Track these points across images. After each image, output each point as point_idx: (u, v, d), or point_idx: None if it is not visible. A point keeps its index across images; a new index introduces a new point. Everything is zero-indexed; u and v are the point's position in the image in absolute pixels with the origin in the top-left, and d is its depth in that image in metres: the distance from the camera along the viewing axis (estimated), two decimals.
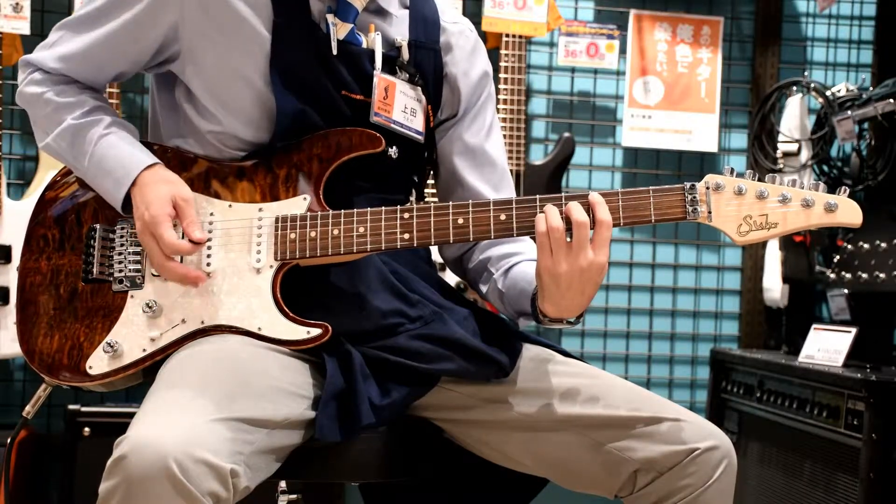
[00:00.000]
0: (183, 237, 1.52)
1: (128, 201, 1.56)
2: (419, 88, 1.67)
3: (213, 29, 1.56)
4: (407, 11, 1.70)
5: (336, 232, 1.53)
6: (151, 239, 1.51)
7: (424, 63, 1.69)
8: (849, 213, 1.48)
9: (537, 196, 1.51)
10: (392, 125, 1.63)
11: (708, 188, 1.49)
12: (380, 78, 1.61)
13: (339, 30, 1.60)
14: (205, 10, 1.56)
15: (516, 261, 1.69)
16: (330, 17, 1.59)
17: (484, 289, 1.74)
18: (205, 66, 1.58)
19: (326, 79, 1.58)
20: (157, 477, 1.21)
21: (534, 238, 1.50)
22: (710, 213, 1.49)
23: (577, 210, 1.46)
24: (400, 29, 1.68)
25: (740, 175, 1.50)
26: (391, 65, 1.64)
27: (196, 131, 1.61)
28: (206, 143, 1.61)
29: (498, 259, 1.71)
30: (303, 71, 1.57)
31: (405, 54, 1.65)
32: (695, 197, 1.49)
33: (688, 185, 1.50)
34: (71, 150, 1.60)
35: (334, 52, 1.59)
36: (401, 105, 1.64)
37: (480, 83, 1.76)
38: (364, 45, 1.62)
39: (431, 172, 1.80)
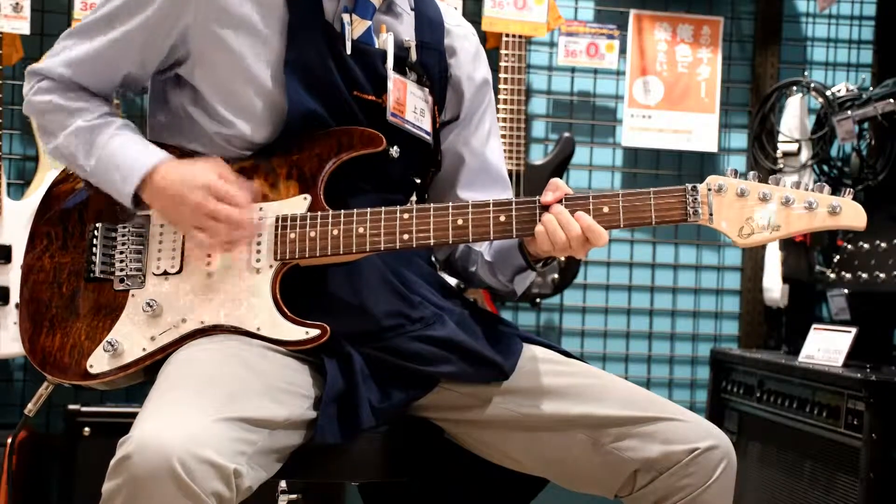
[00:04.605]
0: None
1: (136, 198, 1.55)
2: (426, 89, 1.67)
3: (226, 32, 1.56)
4: (413, 12, 1.70)
5: (336, 232, 1.53)
6: (215, 203, 1.48)
7: (431, 64, 1.69)
8: (853, 216, 1.46)
9: (537, 197, 1.51)
10: (406, 125, 1.63)
11: (710, 190, 1.48)
12: (394, 78, 1.61)
13: (355, 28, 1.60)
14: (217, 13, 1.55)
15: None
16: (346, 17, 1.59)
17: (473, 269, 1.74)
18: (216, 69, 1.57)
19: (339, 78, 1.58)
20: (162, 477, 1.21)
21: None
22: (711, 215, 1.48)
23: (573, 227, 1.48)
24: (408, 29, 1.68)
25: (743, 176, 1.49)
26: (402, 65, 1.64)
27: (202, 133, 1.60)
28: (212, 143, 1.60)
29: None
30: (316, 71, 1.56)
31: (413, 55, 1.66)
32: (696, 198, 1.48)
33: (689, 186, 1.49)
34: (81, 148, 1.58)
35: (348, 51, 1.59)
36: (412, 106, 1.64)
37: (482, 88, 1.77)
38: (377, 46, 1.63)
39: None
